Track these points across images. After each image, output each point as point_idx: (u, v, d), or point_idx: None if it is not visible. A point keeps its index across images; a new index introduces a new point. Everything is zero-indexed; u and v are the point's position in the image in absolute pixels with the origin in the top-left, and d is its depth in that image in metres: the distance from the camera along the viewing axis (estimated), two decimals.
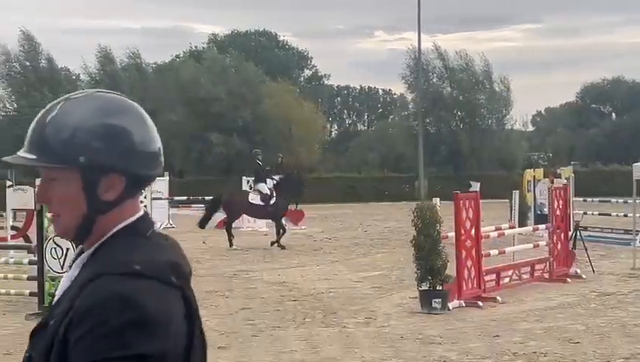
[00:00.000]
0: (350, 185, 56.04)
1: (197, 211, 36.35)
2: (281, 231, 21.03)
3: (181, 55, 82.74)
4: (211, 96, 57.62)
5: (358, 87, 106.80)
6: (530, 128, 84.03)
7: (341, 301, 11.81)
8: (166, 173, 32.30)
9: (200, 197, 35.39)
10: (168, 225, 29.69)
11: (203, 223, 22.17)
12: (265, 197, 21.49)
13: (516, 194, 21.67)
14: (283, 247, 20.20)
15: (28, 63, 57.60)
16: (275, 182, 21.62)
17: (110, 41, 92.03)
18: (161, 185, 30.60)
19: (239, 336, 9.32)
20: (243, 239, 23.35)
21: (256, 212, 22.40)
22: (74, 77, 65.45)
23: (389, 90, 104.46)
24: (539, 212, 21.74)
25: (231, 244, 20.81)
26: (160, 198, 30.07)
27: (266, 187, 21.77)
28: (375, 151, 75.08)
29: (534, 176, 23.35)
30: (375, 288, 13.11)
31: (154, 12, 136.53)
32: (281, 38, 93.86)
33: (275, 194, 21.45)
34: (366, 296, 12.26)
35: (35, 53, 58.09)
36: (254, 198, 21.78)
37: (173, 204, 31.32)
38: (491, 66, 60.40)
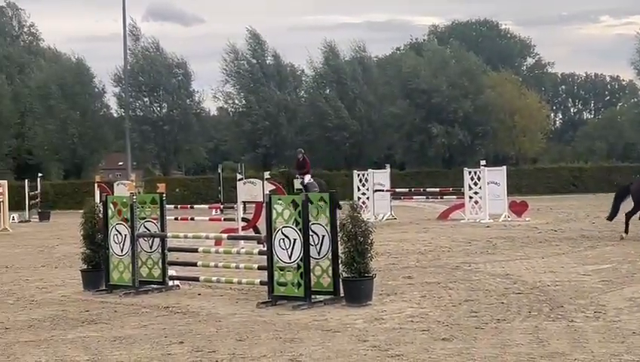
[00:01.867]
0: (575, 175, 54.28)
1: (418, 203, 36.48)
2: None
3: (402, 47, 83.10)
4: (432, 88, 57.46)
5: (584, 75, 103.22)
6: None
7: (568, 294, 11.45)
8: (387, 165, 32.57)
9: (422, 189, 35.45)
10: (390, 217, 29.93)
11: (612, 216, 20.17)
12: None
13: None
14: None
15: (255, 61, 59.77)
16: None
17: (331, 37, 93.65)
18: (383, 176, 30.90)
19: (462, 328, 9.24)
20: (464, 231, 23.17)
21: None
22: (299, 72, 67.28)
23: (617, 76, 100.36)
24: None
25: (626, 233, 19.14)
26: (382, 190, 30.35)
27: None
28: (602, 140, 72.31)
29: None
30: (604, 281, 12.61)
31: (374, 6, 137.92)
32: (503, 27, 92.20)
33: None
34: (594, 290, 11.82)
35: (261, 50, 60.19)
36: None
37: (395, 195, 31.53)
38: None
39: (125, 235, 13.03)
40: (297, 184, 26.45)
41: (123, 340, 9.22)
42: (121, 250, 13.06)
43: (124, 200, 13.32)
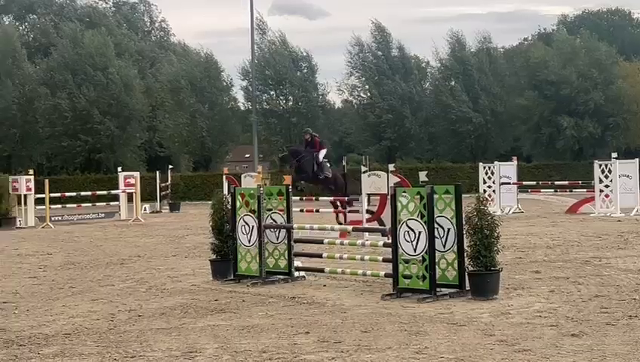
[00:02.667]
0: None
1: (546, 196, 35.74)
2: None
3: (529, 38, 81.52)
4: (561, 79, 56.17)
5: None
6: None
7: None
8: (514, 158, 32.06)
9: (550, 182, 34.72)
10: (517, 210, 29.46)
11: None
12: None
13: None
14: None
15: (380, 53, 59.71)
16: None
17: (457, 28, 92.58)
18: (509, 169, 30.45)
19: (592, 324, 9.03)
20: (594, 225, 22.60)
21: None
22: (423, 64, 66.86)
23: None
24: None
25: None
26: (508, 183, 29.91)
27: None
28: None
29: None
30: None
31: None
32: (635, 16, 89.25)
33: None
34: None
35: (386, 42, 60.07)
36: None
37: (522, 188, 31.01)
38: None
39: (252, 226, 13.26)
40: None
41: (250, 329, 9.39)
42: (249, 241, 13.29)
43: (252, 191, 13.55)
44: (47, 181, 29.99)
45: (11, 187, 28.99)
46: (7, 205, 28.69)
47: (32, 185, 29.24)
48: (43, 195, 29.03)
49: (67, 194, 31.47)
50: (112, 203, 33.25)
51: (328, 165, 23.53)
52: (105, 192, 33.89)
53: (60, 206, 30.86)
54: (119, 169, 34.60)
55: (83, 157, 56.29)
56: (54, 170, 56.43)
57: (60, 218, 30.20)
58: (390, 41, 60.40)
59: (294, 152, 23.79)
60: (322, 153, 23.25)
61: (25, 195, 29.00)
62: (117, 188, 32.73)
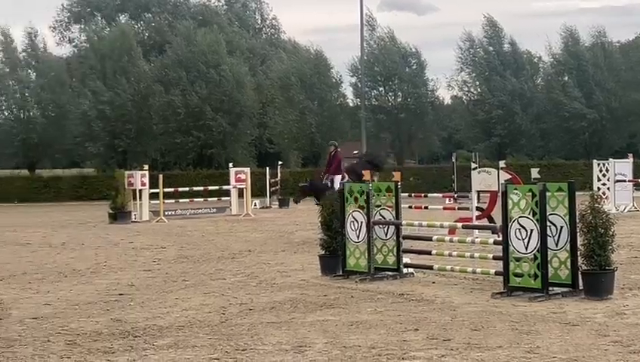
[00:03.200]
0: None
1: None
2: None
3: None
4: None
5: None
6: None
7: None
8: (629, 155, 31.22)
9: None
10: (632, 208, 28.67)
11: None
12: None
13: None
14: None
15: (491, 48, 58.92)
16: None
17: (570, 22, 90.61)
18: (624, 166, 29.66)
19: None
20: None
21: None
22: (535, 59, 65.63)
23: None
24: None
25: None
26: (624, 180, 29.12)
27: None
28: None
29: None
30: None
31: None
32: None
33: None
34: None
35: (497, 37, 59.22)
36: None
37: (638, 186, 30.15)
38: None
39: (361, 222, 13.28)
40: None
41: (359, 325, 9.41)
42: (357, 237, 13.32)
43: (360, 188, 13.57)
44: (161, 176, 30.69)
45: (127, 182, 29.79)
46: (123, 199, 29.49)
47: (146, 180, 29.99)
48: (157, 190, 29.73)
49: (180, 189, 32.08)
50: (223, 198, 33.80)
51: (346, 179, 20.28)
52: (216, 187, 34.46)
53: (173, 201, 31.52)
54: (230, 165, 35.11)
55: (195, 153, 57.39)
56: (168, 166, 57.69)
57: (173, 212, 30.87)
58: (502, 36, 59.51)
59: (306, 190, 22.04)
60: (337, 180, 20.61)
61: (140, 190, 29.77)
62: (228, 184, 33.26)
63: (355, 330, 9.12)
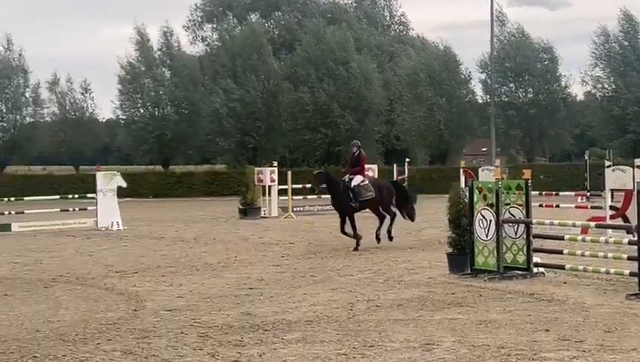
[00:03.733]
0: None
1: None
2: None
3: None
4: None
5: None
6: None
7: None
8: None
9: None
10: None
11: None
12: None
13: None
14: None
15: (627, 43, 57.14)
16: None
17: None
18: None
19: None
20: None
21: None
22: None
23: None
24: None
25: None
26: None
27: None
28: None
29: None
30: None
31: None
32: None
33: None
34: None
35: (634, 32, 57.38)
36: None
37: None
38: None
39: (490, 220, 13.13)
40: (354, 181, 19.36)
41: (488, 324, 9.31)
42: (486, 235, 13.18)
43: (490, 185, 13.42)
44: (289, 173, 31.06)
45: (256, 178, 30.28)
46: (253, 195, 30.00)
47: (275, 176, 30.42)
48: (286, 186, 30.11)
49: (308, 185, 32.31)
50: None
51: (367, 184, 19.47)
52: None
53: (301, 197, 31.83)
54: None
55: (323, 150, 57.87)
56: (296, 162, 58.37)
57: (301, 208, 31.19)
58: (638, 30, 57.62)
59: (321, 177, 20.49)
60: (357, 179, 19.37)
61: (269, 186, 30.22)
62: None
63: (484, 329, 9.03)
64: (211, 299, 11.55)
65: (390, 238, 18.86)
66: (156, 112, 59.67)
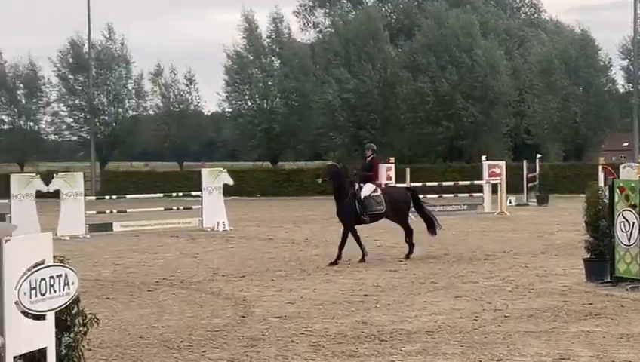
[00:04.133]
0: None
1: None
2: None
3: None
4: None
5: None
6: None
7: None
8: None
9: None
10: None
11: None
12: None
13: None
14: None
15: None
16: None
17: None
18: None
19: None
20: None
21: None
22: None
23: None
24: None
25: None
26: None
27: None
28: None
29: None
30: None
31: None
32: None
33: None
34: None
35: None
36: None
37: None
38: None
39: (633, 223, 12.81)
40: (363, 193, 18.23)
41: (630, 338, 9.11)
42: (629, 240, 12.86)
43: (633, 184, 13.10)
44: (407, 170, 31.01)
45: None
46: None
47: (392, 173, 30.41)
48: (404, 185, 30.05)
49: (428, 183, 32.24)
50: (475, 194, 33.67)
51: (378, 195, 18.44)
52: (467, 182, 34.37)
53: (421, 196, 31.69)
54: (483, 158, 34.89)
55: (445, 145, 57.51)
56: (415, 159, 58.14)
57: None
58: None
59: (332, 171, 18.93)
60: (367, 189, 18.30)
61: (385, 184, 30.20)
62: (480, 179, 33.07)
63: (626, 344, 8.84)
64: (323, 306, 11.64)
65: (410, 251, 17.85)
66: (264, 104, 60.28)
